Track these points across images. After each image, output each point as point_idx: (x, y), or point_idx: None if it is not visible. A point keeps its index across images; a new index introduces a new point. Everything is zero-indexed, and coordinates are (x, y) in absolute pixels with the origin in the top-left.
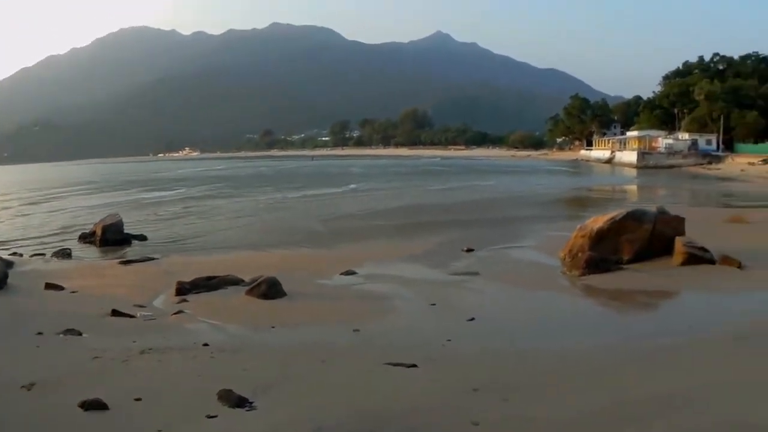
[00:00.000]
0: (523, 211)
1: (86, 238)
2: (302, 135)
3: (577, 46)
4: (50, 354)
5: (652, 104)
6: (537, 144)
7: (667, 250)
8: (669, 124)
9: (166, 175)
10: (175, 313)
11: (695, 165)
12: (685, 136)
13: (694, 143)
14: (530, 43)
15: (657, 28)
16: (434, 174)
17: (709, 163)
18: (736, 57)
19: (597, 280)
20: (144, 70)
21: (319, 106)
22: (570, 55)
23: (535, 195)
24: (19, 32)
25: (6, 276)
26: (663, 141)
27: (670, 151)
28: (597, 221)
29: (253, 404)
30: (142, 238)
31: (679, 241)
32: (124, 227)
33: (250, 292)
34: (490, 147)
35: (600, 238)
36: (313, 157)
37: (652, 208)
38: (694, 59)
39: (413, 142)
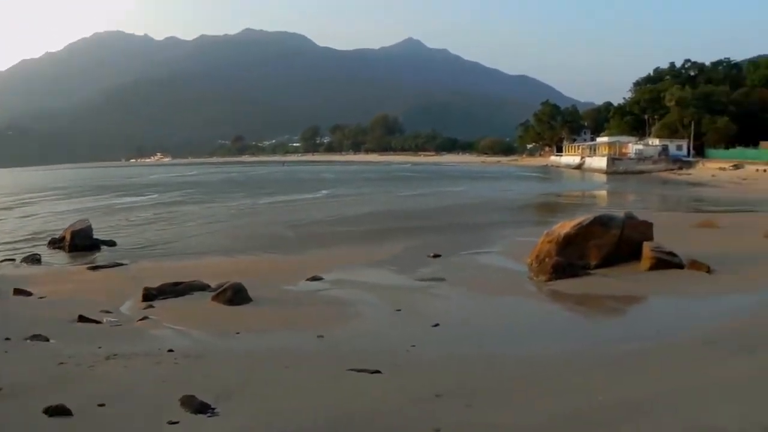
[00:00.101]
0: (491, 216)
1: (56, 243)
2: (273, 141)
3: (548, 52)
4: (17, 360)
5: (622, 110)
6: (507, 150)
7: (635, 255)
8: (639, 130)
9: (138, 181)
10: (141, 319)
11: (665, 170)
12: (655, 141)
13: (665, 149)
14: (501, 49)
15: (628, 34)
16: (404, 180)
17: (680, 168)
18: (707, 63)
19: (564, 285)
20: (117, 75)
21: (291, 111)
22: (541, 62)
23: (504, 201)
24: None
25: None
26: (633, 147)
27: (641, 157)
28: (564, 226)
29: (215, 410)
30: (111, 243)
31: (647, 246)
32: (95, 233)
33: (216, 298)
34: (460, 153)
35: (567, 244)
36: (284, 163)
37: (620, 213)
38: (665, 65)
39: (384, 148)
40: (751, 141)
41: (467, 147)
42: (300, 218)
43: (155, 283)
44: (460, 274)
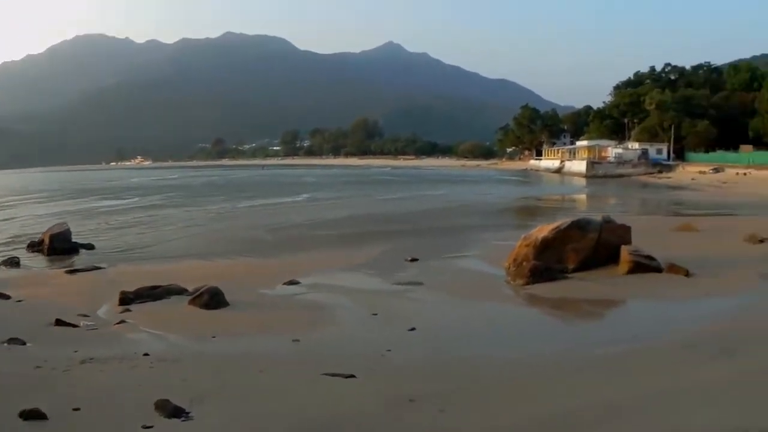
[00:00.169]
0: (470, 220)
1: (34, 246)
2: (253, 144)
3: (528, 56)
4: None
5: (602, 114)
6: (487, 154)
7: (613, 258)
8: (619, 133)
9: (118, 184)
10: (117, 323)
11: (645, 174)
12: (635, 145)
13: (645, 152)
14: (481, 53)
15: (609, 39)
16: (384, 183)
17: (660, 172)
18: (687, 67)
19: (541, 289)
20: (98, 78)
21: (271, 115)
22: (521, 66)
23: (483, 204)
24: None
25: None
26: (613, 150)
27: (620, 161)
28: (542, 230)
29: (189, 414)
30: (90, 247)
31: (624, 250)
32: (75, 236)
33: (192, 302)
34: (440, 157)
35: (545, 247)
36: (263, 167)
37: (598, 217)
38: (646, 70)
39: (363, 152)
40: (732, 144)
41: (447, 151)
42: (279, 222)
43: (133, 287)
44: (438, 278)
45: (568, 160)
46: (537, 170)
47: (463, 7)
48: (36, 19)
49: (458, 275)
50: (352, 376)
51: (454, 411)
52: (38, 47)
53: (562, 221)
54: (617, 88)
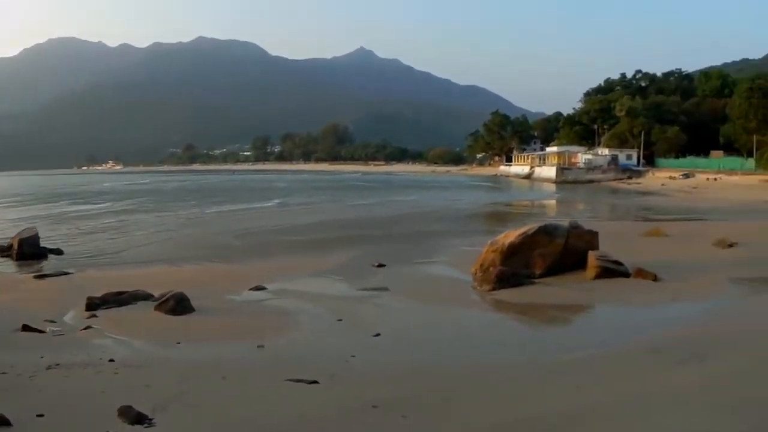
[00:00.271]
0: (439, 226)
1: (3, 251)
2: (224, 149)
3: (499, 63)
4: None
5: (572, 120)
6: (457, 160)
7: (580, 264)
8: (589, 139)
9: (90, 189)
10: (84, 329)
11: (615, 180)
12: (605, 151)
13: (614, 158)
14: (452, 60)
15: (580, 46)
16: (355, 189)
17: (629, 177)
18: (659, 74)
19: (508, 294)
20: (70, 81)
21: (242, 120)
22: (491, 72)
23: (452, 210)
24: None
25: None
26: (582, 156)
27: (590, 167)
28: (509, 236)
29: (152, 421)
30: (59, 252)
31: (592, 255)
32: (45, 241)
33: (158, 308)
34: (411, 162)
35: (512, 253)
36: (234, 172)
37: (565, 222)
38: (617, 76)
39: (334, 158)
40: (702, 150)
41: (417, 157)
42: (248, 227)
43: (101, 293)
44: (404, 284)
45: (537, 166)
46: (507, 176)
47: (435, 14)
48: (9, 22)
49: (425, 281)
50: (315, 382)
51: (417, 417)
52: (11, 50)
53: (529, 227)
54: (588, 94)
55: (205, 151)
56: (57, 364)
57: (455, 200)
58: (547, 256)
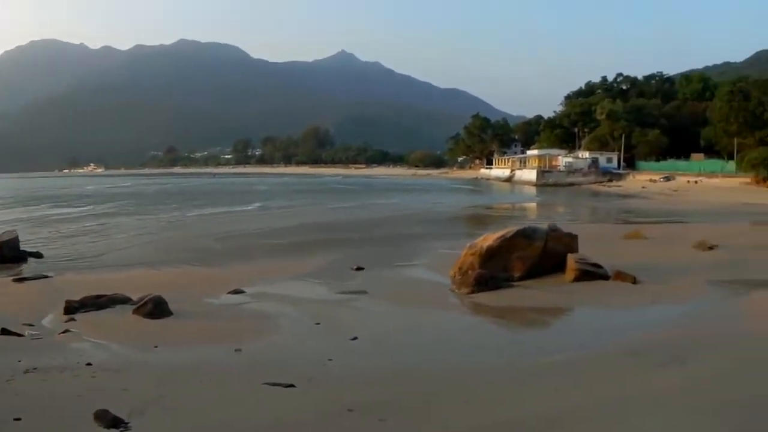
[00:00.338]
0: (419, 229)
1: None
2: (205, 152)
3: (480, 66)
4: None
5: (553, 123)
6: (437, 163)
7: (559, 267)
8: (570, 143)
9: (71, 192)
10: (62, 332)
11: (595, 183)
12: (585, 154)
13: (595, 161)
14: (433, 63)
15: (562, 49)
16: (336, 192)
17: (610, 180)
18: (640, 77)
19: (486, 297)
20: (52, 83)
21: (223, 123)
22: (472, 76)
23: (433, 213)
24: None
25: None
26: (563, 159)
27: (570, 170)
28: (487, 239)
29: (128, 425)
30: (38, 255)
31: (571, 258)
32: (25, 244)
33: (136, 311)
34: (391, 166)
35: (490, 256)
36: (214, 175)
37: (544, 225)
38: (597, 80)
39: (315, 161)
40: (683, 153)
41: (398, 160)
42: (229, 230)
43: (79, 296)
44: (383, 287)
45: (518, 169)
46: (487, 179)
47: (416, 18)
48: None
49: (403, 284)
50: (292, 385)
51: (393, 420)
52: None
53: (508, 230)
54: (568, 97)
55: (186, 154)
56: (35, 368)
57: (436, 203)
58: (526, 259)
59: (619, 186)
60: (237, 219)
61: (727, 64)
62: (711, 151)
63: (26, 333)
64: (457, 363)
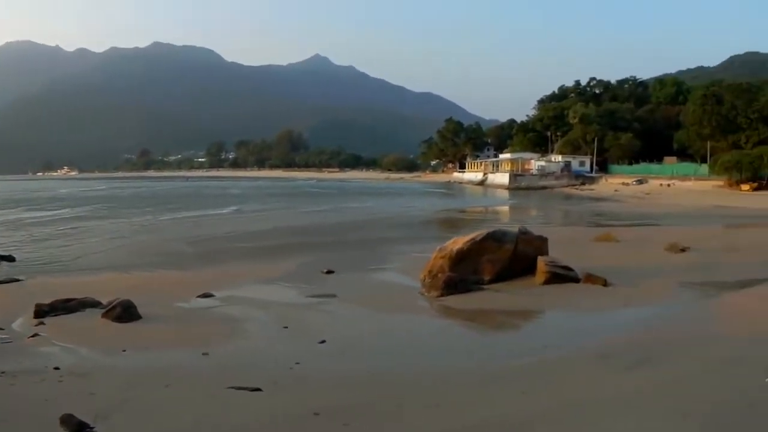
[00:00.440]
0: (391, 232)
1: None
2: (179, 156)
3: (454, 70)
4: None
5: (525, 127)
6: (411, 166)
7: (530, 269)
8: (543, 146)
9: (45, 195)
10: (31, 336)
11: (568, 186)
12: (558, 158)
13: (567, 165)
14: (406, 67)
15: (535, 54)
16: (310, 196)
17: (582, 184)
18: (613, 81)
19: (456, 300)
20: (26, 85)
21: (197, 126)
22: (446, 80)
23: (406, 217)
24: None
25: None
26: (536, 163)
27: (543, 173)
28: (457, 242)
29: (93, 429)
30: (11, 259)
31: (541, 261)
32: None
33: (105, 315)
34: (365, 169)
35: (460, 259)
36: (187, 179)
37: (514, 228)
38: (571, 84)
39: (288, 164)
40: (656, 156)
41: (371, 163)
42: (201, 234)
43: (51, 300)
44: (352, 291)
45: (491, 172)
46: (460, 183)
47: (391, 22)
48: None
49: (373, 287)
50: (258, 389)
51: (359, 425)
52: None
53: (478, 233)
54: (541, 101)
55: (159, 158)
56: (2, 372)
57: (409, 207)
58: (496, 262)
59: (592, 189)
60: (210, 222)
61: (701, 68)
62: (684, 155)
63: None
64: (426, 366)
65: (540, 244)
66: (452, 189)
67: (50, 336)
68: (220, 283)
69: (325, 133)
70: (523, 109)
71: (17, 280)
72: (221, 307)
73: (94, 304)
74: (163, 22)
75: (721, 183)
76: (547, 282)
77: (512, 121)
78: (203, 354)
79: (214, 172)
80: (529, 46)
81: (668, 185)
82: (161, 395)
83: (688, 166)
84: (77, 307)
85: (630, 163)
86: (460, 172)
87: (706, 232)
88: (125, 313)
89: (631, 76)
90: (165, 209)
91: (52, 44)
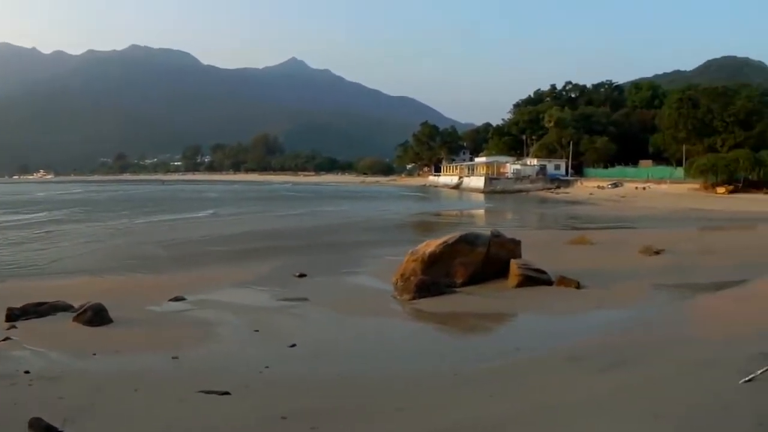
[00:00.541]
0: (366, 236)
1: None
2: (155, 159)
3: (430, 74)
4: None
5: (501, 131)
6: (386, 170)
7: (502, 272)
8: (518, 150)
9: (22, 198)
10: (2, 340)
11: (543, 189)
12: (533, 161)
13: (543, 168)
14: (383, 71)
15: (511, 57)
16: (286, 199)
17: (558, 187)
18: (589, 85)
19: (428, 303)
20: (2, 87)
21: (173, 129)
22: (422, 84)
23: (381, 220)
24: None
25: None
26: (511, 166)
27: (518, 177)
28: (429, 245)
29: None
30: None
31: (513, 264)
32: None
33: (76, 319)
34: (340, 173)
35: (432, 262)
36: (163, 182)
37: (487, 231)
38: (547, 88)
39: (264, 168)
40: (631, 160)
41: (347, 167)
42: (176, 237)
43: (23, 303)
44: (324, 294)
45: (466, 176)
46: (436, 186)
47: (367, 26)
48: None
49: (345, 291)
50: (227, 393)
51: (326, 428)
52: None
53: (450, 236)
54: (517, 105)
55: (136, 161)
56: None
57: (384, 210)
58: (469, 265)
59: (567, 193)
60: (185, 226)
61: (677, 72)
62: (659, 158)
63: None
64: (397, 370)
65: (513, 247)
66: (428, 192)
67: (21, 340)
68: (192, 287)
69: (301, 137)
70: (498, 113)
71: None
72: (193, 311)
73: (66, 307)
74: (140, 25)
75: (696, 186)
76: (520, 285)
77: (488, 125)
78: (173, 358)
79: (190, 176)
80: (505, 51)
81: (643, 188)
82: (131, 399)
83: (663, 170)
84: (49, 310)
85: (605, 167)
86: (435, 175)
87: (682, 234)
88: (96, 316)
89: (607, 80)
90: (141, 213)
91: (29, 46)
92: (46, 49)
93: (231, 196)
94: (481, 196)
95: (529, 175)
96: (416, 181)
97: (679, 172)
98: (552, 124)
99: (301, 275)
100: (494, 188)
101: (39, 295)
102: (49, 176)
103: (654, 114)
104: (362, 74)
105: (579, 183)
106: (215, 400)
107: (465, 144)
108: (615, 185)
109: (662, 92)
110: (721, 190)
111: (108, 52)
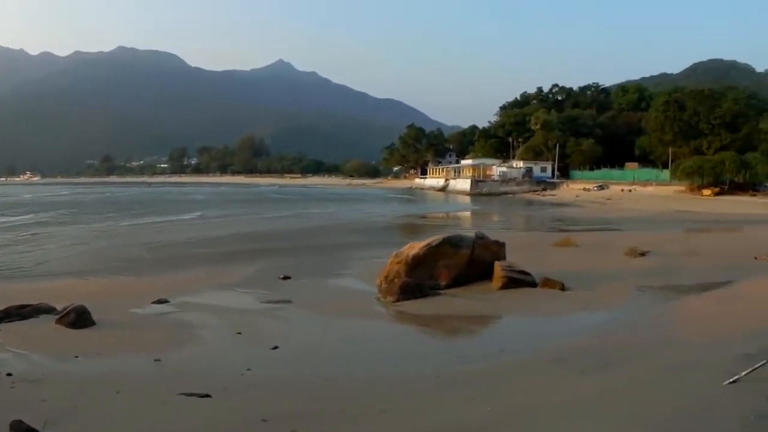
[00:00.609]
0: (351, 238)
1: None
2: (141, 161)
3: (416, 77)
4: None
5: (487, 133)
6: (373, 173)
7: (486, 274)
8: (504, 152)
9: (8, 200)
10: None
11: (529, 192)
12: (519, 164)
13: (529, 171)
14: (369, 73)
15: (498, 60)
16: (272, 202)
17: (544, 189)
18: (575, 88)
19: (412, 305)
20: None
21: (160, 131)
22: (408, 86)
23: (367, 222)
24: None
25: None
26: (497, 169)
27: (504, 179)
28: (413, 247)
29: None
30: None
31: (498, 266)
32: None
33: (59, 321)
34: (327, 175)
35: (416, 264)
36: (150, 184)
37: (471, 233)
38: (533, 90)
39: (250, 170)
40: (617, 162)
41: (333, 170)
42: (162, 240)
43: (5, 306)
44: (308, 296)
45: (452, 178)
46: (422, 188)
47: (354, 28)
48: None
49: (329, 293)
50: (208, 395)
51: (307, 431)
52: None
53: (434, 238)
54: (504, 108)
55: (122, 163)
56: None
57: (370, 212)
58: (453, 267)
59: (553, 195)
60: (171, 228)
61: (664, 75)
62: (645, 161)
63: None
64: (380, 372)
65: (497, 249)
66: (414, 195)
67: (4, 342)
68: (176, 289)
69: (288, 139)
70: (485, 116)
71: None
72: (175, 313)
73: (49, 310)
74: (127, 27)
75: (682, 188)
76: (504, 287)
77: (474, 128)
78: (155, 360)
79: (176, 178)
80: (492, 53)
81: (629, 191)
82: (112, 401)
83: (649, 172)
84: (32, 313)
85: (591, 169)
86: (421, 178)
87: (667, 236)
88: (79, 319)
89: (593, 83)
90: (127, 215)
91: (16, 47)
92: (33, 51)
93: (217, 198)
94: (468, 199)
95: (515, 178)
96: (403, 183)
97: (665, 174)
98: (538, 126)
99: (286, 277)
100: (480, 190)
101: (23, 298)
102: (35, 178)
103: (640, 116)
104: (349, 76)
105: (565, 185)
106: (196, 402)
107: (451, 146)
108: (601, 188)
109: (649, 95)
110: (706, 192)
111: (95, 53)
